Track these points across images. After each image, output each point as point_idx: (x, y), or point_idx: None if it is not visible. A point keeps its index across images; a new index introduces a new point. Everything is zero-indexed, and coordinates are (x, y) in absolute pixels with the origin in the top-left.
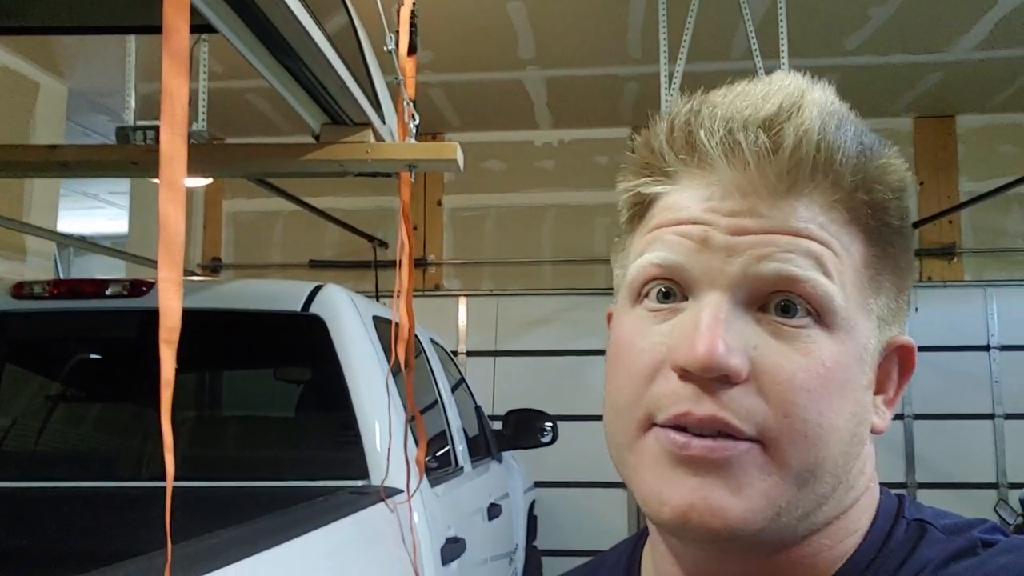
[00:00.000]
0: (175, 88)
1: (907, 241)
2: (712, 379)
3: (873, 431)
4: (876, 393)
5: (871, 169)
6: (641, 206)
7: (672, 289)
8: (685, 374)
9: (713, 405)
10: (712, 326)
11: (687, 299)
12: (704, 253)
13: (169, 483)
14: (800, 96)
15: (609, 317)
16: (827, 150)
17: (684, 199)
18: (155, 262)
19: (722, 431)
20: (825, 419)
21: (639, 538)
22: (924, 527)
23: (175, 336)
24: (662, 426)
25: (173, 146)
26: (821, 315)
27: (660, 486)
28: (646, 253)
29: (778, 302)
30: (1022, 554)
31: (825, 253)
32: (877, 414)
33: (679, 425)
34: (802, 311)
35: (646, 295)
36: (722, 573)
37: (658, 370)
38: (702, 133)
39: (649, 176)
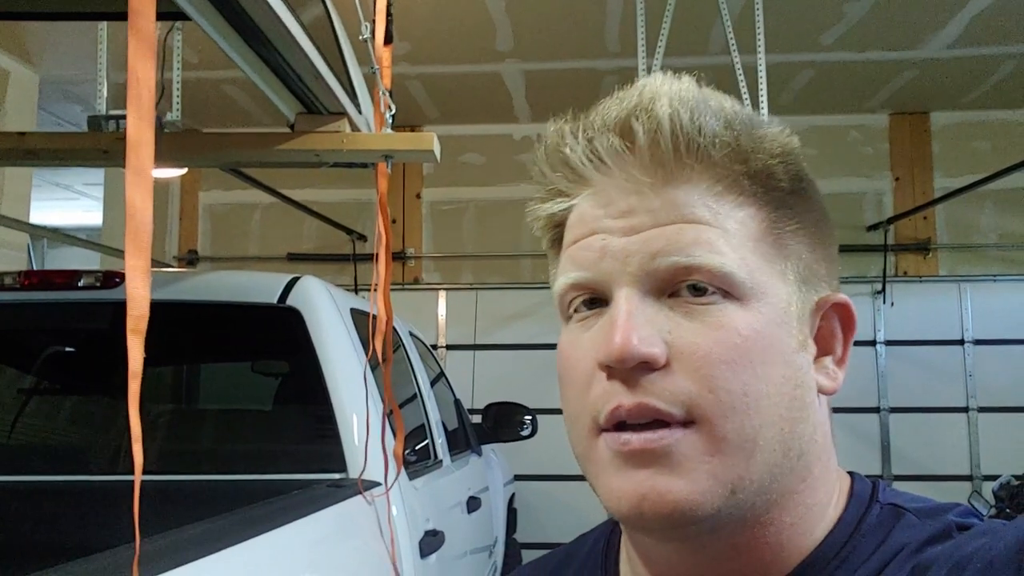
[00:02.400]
0: (142, 72)
1: (808, 202)
2: (633, 369)
3: (823, 392)
4: (823, 355)
5: (744, 142)
6: (556, 228)
7: (593, 296)
8: (609, 371)
9: (638, 394)
10: (624, 319)
11: (607, 304)
12: (605, 260)
13: (137, 475)
14: (653, 92)
15: None
16: (684, 135)
17: (583, 213)
18: None
19: (655, 419)
20: (751, 388)
21: (611, 530)
22: (898, 511)
23: (143, 325)
24: (607, 430)
25: (140, 132)
26: (728, 290)
27: (614, 485)
28: (561, 276)
29: (687, 285)
30: (997, 537)
31: (714, 232)
32: (826, 375)
33: (618, 423)
34: (710, 288)
35: (574, 309)
36: (691, 563)
37: (592, 375)
38: (567, 149)
39: (551, 200)
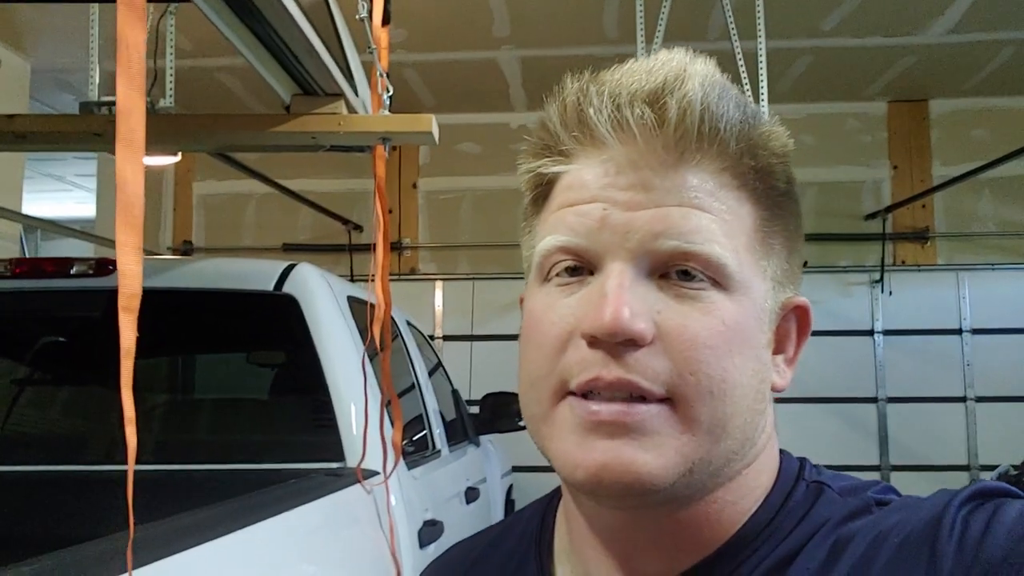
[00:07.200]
0: (132, 38)
1: (794, 205)
2: (619, 344)
3: (774, 389)
4: (776, 352)
5: (755, 136)
6: (543, 187)
7: (578, 264)
8: (594, 341)
9: (620, 369)
10: (617, 293)
11: (592, 273)
12: (604, 232)
13: (131, 458)
14: (683, 70)
15: (521, 301)
16: (711, 120)
17: (582, 177)
18: None
19: (632, 393)
20: (729, 375)
21: (550, 500)
22: (821, 488)
23: (135, 303)
24: (575, 394)
25: (130, 100)
26: (718, 279)
27: (573, 452)
28: (549, 236)
29: (678, 269)
30: (912, 512)
31: (716, 221)
32: (778, 373)
33: (590, 391)
34: (701, 276)
35: (555, 273)
36: (633, 530)
37: (569, 340)
38: (591, 111)
39: (547, 157)
